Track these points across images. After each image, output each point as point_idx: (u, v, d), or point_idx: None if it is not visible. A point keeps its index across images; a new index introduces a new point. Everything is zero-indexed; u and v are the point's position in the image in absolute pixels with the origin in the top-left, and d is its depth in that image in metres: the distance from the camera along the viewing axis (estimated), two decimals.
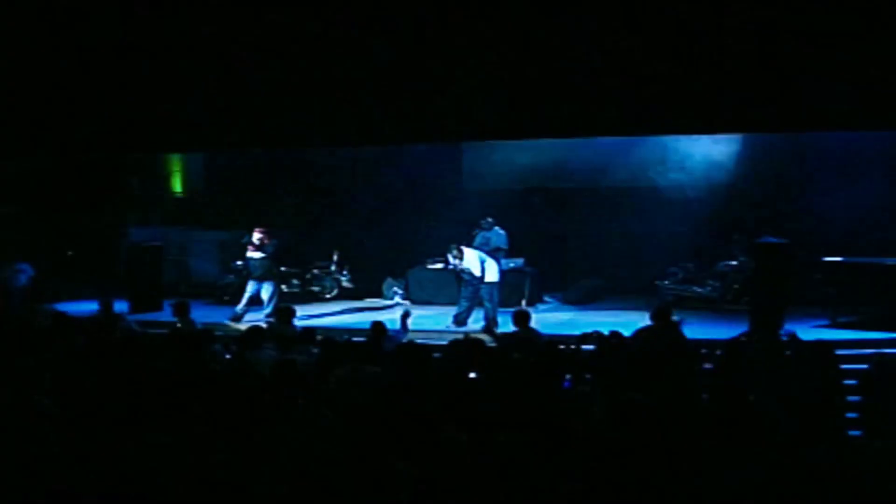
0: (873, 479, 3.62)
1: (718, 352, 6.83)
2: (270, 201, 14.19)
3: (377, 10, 8.44)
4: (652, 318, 7.41)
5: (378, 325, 7.53)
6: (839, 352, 6.95)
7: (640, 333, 7.24)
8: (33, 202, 13.42)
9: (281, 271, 11.75)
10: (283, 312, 8.40)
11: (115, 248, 13.84)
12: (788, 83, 7.84)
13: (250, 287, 10.91)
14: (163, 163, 15.18)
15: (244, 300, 10.86)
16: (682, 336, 7.20)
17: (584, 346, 7.20)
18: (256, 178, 14.03)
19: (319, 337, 7.29)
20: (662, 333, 7.17)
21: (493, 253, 10.99)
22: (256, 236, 10.94)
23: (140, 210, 14.95)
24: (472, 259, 10.08)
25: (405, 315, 7.90)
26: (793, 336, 7.15)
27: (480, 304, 10.13)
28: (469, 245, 10.64)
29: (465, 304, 10.13)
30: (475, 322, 10.14)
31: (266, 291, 10.90)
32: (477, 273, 9.99)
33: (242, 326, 9.97)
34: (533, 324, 7.85)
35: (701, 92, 8.07)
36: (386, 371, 5.76)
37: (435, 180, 13.62)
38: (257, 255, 10.91)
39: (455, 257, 10.11)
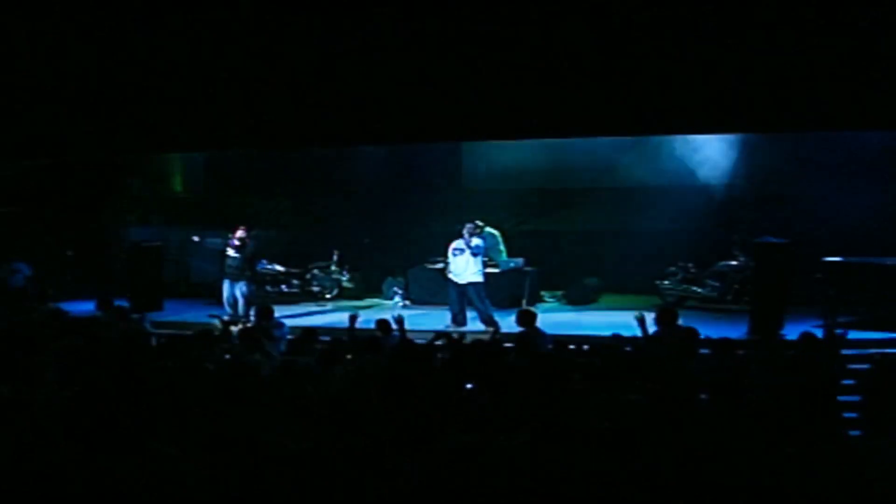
0: (873, 479, 3.62)
1: (706, 350, 6.83)
2: (270, 201, 14.21)
3: (377, 11, 8.44)
4: (657, 322, 7.29)
5: (383, 323, 7.55)
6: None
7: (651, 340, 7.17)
8: (33, 202, 13.43)
9: (256, 272, 11.66)
10: (263, 311, 8.38)
11: (115, 248, 13.85)
12: (788, 83, 7.84)
13: (226, 288, 10.82)
14: (163, 163, 15.18)
15: (230, 303, 10.77)
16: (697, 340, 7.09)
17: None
18: (256, 178, 14.02)
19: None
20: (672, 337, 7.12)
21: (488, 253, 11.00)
22: (239, 234, 10.86)
23: (140, 210, 14.95)
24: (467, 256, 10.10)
25: (399, 321, 7.78)
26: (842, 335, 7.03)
27: (471, 305, 10.13)
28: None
29: (455, 306, 10.14)
30: (473, 321, 10.15)
31: (240, 292, 10.79)
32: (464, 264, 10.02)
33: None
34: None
35: (701, 92, 8.07)
36: (388, 369, 5.77)
37: (435, 180, 13.62)
38: (235, 254, 10.81)
39: (471, 234, 10.08)
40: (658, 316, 7.30)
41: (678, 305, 11.23)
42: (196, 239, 10.97)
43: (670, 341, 6.99)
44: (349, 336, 7.52)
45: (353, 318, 7.67)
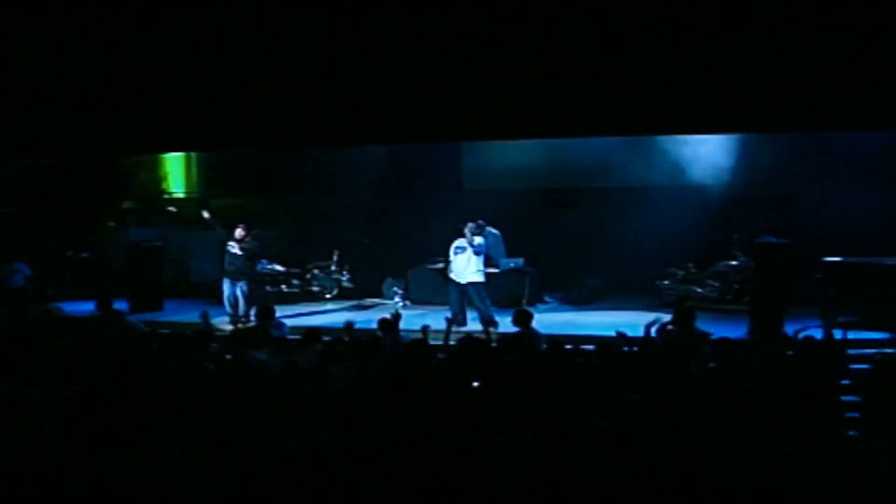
0: (873, 479, 3.62)
1: (710, 350, 6.83)
2: (270, 201, 14.20)
3: (377, 11, 8.44)
4: (675, 320, 7.30)
5: (385, 322, 7.56)
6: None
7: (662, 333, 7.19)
8: (33, 202, 13.43)
9: (256, 272, 11.63)
10: (264, 311, 8.37)
11: (115, 248, 13.86)
12: (788, 83, 7.84)
13: (226, 287, 10.74)
14: (163, 163, 15.19)
15: (230, 303, 10.73)
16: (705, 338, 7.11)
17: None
18: (256, 178, 14.02)
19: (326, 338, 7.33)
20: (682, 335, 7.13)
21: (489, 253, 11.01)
22: (239, 232, 10.77)
23: (140, 210, 14.96)
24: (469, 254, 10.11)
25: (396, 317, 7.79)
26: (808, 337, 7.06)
27: (471, 305, 10.13)
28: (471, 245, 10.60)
29: (455, 306, 10.13)
30: (473, 320, 10.15)
31: (241, 292, 10.73)
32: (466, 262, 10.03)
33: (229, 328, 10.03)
34: (533, 324, 7.84)
35: (701, 92, 8.08)
36: (388, 369, 5.77)
37: (435, 180, 13.62)
38: (235, 251, 10.74)
39: (473, 233, 10.08)
40: (676, 314, 7.31)
41: (678, 305, 11.25)
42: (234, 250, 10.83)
43: (682, 341, 7.01)
44: (350, 337, 7.54)
45: (349, 326, 7.72)
